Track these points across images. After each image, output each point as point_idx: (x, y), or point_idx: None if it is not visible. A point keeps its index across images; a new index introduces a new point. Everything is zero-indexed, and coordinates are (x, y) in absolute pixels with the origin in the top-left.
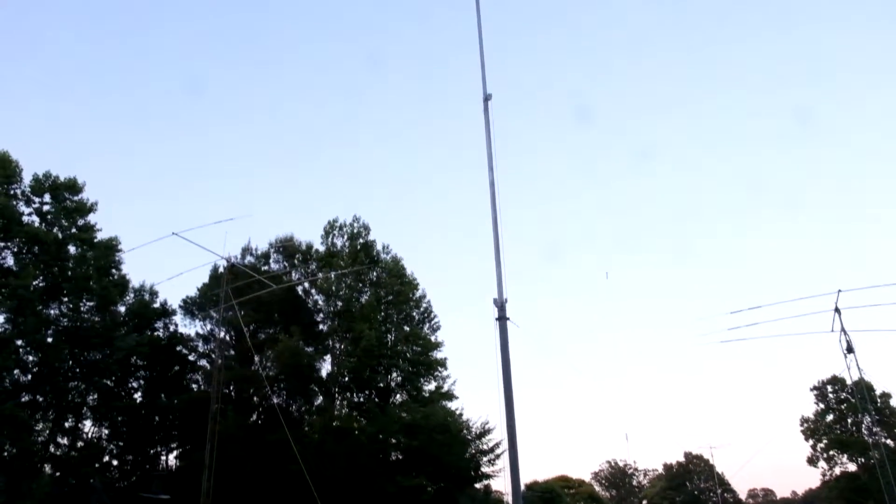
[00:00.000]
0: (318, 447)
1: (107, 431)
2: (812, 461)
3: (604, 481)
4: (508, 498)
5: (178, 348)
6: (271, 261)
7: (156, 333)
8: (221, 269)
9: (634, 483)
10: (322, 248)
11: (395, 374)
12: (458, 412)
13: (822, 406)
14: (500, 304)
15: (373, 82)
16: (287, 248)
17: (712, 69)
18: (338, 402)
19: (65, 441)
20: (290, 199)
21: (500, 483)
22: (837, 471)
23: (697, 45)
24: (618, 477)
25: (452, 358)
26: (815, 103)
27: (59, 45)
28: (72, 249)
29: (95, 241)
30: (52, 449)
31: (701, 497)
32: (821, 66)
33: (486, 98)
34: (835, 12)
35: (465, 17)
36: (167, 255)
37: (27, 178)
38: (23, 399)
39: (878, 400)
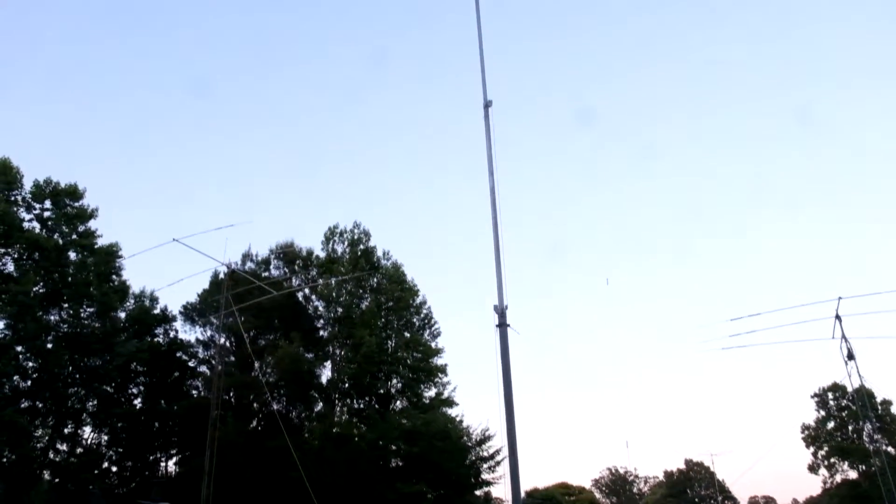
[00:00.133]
0: (317, 454)
1: (106, 438)
2: (813, 468)
3: (604, 488)
4: None
5: (178, 354)
6: (272, 267)
7: (156, 339)
8: (222, 275)
9: (635, 490)
10: (322, 255)
11: (395, 381)
12: (458, 419)
13: (822, 413)
14: (501, 311)
15: (374, 89)
16: (287, 254)
17: (712, 69)
18: (338, 409)
19: (64, 447)
20: (291, 205)
21: (501, 490)
22: (838, 478)
23: (697, 45)
24: (618, 484)
25: (452, 364)
26: (816, 104)
27: (58, 45)
28: (72, 255)
29: (96, 247)
30: (51, 455)
31: None
32: (825, 67)
33: (487, 105)
34: (836, 12)
35: (465, 25)
36: (168, 260)
37: (28, 185)
38: (22, 405)
39: (879, 407)
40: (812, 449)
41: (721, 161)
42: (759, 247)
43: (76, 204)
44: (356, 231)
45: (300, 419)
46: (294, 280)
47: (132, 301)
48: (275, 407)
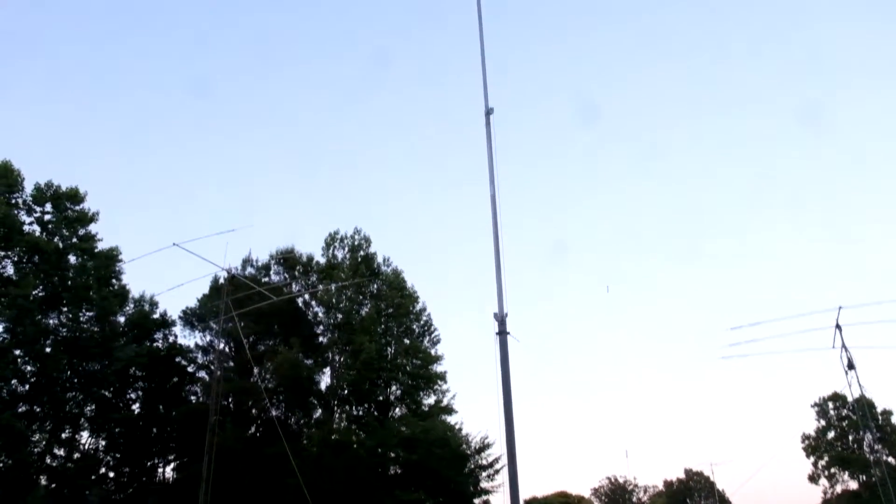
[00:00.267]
0: (316, 460)
1: (104, 443)
2: (813, 478)
3: (603, 497)
4: None
5: (177, 359)
6: (272, 272)
7: (155, 344)
8: (222, 281)
9: (634, 500)
10: (323, 260)
11: (394, 388)
12: (457, 426)
13: (823, 423)
14: (501, 319)
15: (374, 91)
16: (288, 259)
17: (715, 70)
18: (337, 416)
19: (61, 452)
20: (292, 210)
21: (500, 499)
22: (839, 488)
23: (700, 45)
24: (618, 493)
25: (452, 371)
26: (821, 105)
27: (58, 46)
28: (72, 259)
29: (96, 251)
30: (48, 460)
31: None
32: (829, 67)
33: (488, 112)
34: (840, 12)
35: (467, 25)
36: (167, 265)
37: (29, 188)
38: (20, 409)
39: (880, 417)
40: (812, 459)
41: (724, 162)
42: (762, 248)
43: (77, 207)
44: (356, 237)
45: (299, 425)
46: (294, 286)
47: (132, 305)
48: (273, 413)
